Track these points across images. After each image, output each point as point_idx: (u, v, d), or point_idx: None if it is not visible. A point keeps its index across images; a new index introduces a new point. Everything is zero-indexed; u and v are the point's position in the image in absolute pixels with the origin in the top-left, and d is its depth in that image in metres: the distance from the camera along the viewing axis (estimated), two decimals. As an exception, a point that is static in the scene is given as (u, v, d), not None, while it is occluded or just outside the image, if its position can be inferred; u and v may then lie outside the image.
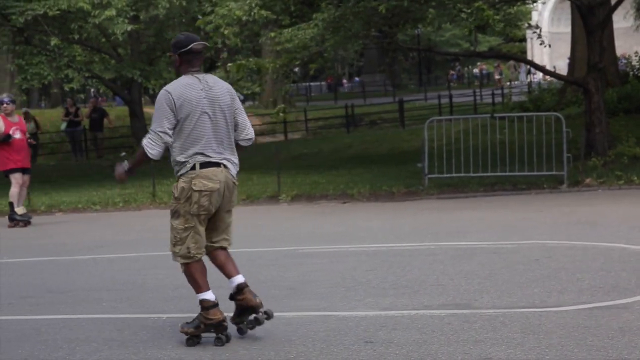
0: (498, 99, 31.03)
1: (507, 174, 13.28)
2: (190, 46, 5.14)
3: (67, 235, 11.29)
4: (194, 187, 5.10)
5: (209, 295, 5.16)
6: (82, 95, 36.68)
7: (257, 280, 7.22)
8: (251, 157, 20.65)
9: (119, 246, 9.76)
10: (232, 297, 5.23)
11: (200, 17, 19.95)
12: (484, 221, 10.15)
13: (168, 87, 5.15)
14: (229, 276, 5.25)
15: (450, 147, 13.63)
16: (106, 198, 14.53)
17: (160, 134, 5.08)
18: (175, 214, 5.18)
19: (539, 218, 10.14)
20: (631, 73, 24.38)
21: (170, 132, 5.10)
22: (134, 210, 13.64)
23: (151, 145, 5.11)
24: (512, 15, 15.38)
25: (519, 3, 17.25)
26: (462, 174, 13.39)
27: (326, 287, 6.73)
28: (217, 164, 5.17)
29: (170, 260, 8.76)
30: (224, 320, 5.14)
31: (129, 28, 17.92)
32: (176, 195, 5.16)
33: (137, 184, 16.09)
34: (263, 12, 15.56)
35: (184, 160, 5.14)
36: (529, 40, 49.64)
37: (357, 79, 60.04)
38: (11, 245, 10.48)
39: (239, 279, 5.23)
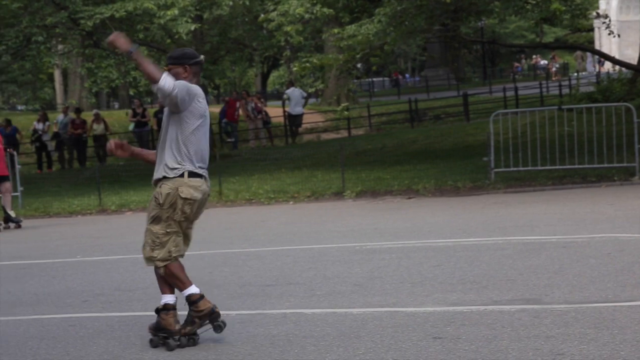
0: (565, 91, 30.47)
1: (576, 166, 13.02)
2: (200, 58, 5.26)
3: (137, 234, 11.48)
4: (180, 194, 5.15)
5: (193, 289, 5.24)
6: (148, 99, 37.33)
7: (323, 276, 7.25)
8: (315, 154, 20.72)
9: (188, 244, 9.88)
10: (157, 311, 5.34)
11: (262, 15, 20.11)
12: (553, 215, 9.98)
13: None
14: (165, 291, 5.33)
15: (516, 140, 13.44)
16: (174, 197, 14.75)
17: (181, 89, 4.97)
18: (156, 219, 5.23)
19: (610, 211, 9.92)
20: None
21: (180, 99, 4.99)
22: (201, 208, 13.81)
23: (169, 80, 4.93)
24: (580, 5, 15.08)
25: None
26: (530, 168, 13.18)
27: (393, 283, 6.71)
28: (201, 175, 5.26)
29: (237, 257, 8.88)
30: (214, 307, 5.21)
31: (193, 28, 18.14)
32: (160, 201, 5.18)
33: (203, 183, 16.31)
34: (325, 9, 15.60)
35: (176, 166, 5.15)
36: (596, 29, 48.59)
37: (407, 75, 59.26)
38: (83, 244, 10.74)
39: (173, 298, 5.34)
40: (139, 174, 20.24)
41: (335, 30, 16.15)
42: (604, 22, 15.68)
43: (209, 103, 27.94)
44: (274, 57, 28.45)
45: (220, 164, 15.70)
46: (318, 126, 29.36)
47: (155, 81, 4.94)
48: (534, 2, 14.12)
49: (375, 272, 7.22)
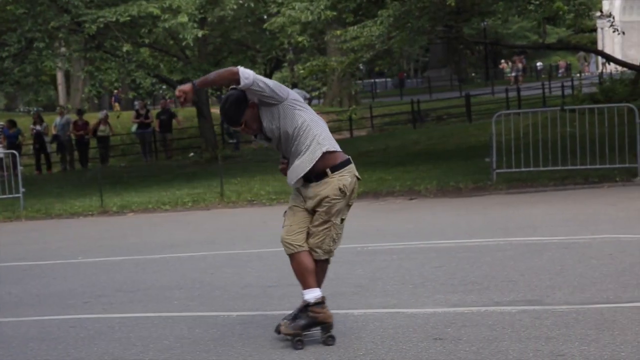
0: (568, 91, 30.48)
1: (579, 167, 13.01)
2: None
3: (139, 235, 11.52)
4: (357, 175, 5.07)
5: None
6: (149, 101, 37.40)
7: (325, 278, 7.24)
8: (318, 155, 20.70)
9: (189, 245, 9.90)
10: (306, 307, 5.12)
11: (265, 17, 20.13)
12: (555, 216, 9.96)
13: None
14: (312, 285, 5.10)
15: (519, 141, 13.42)
16: (175, 198, 14.76)
17: (263, 79, 4.83)
18: (337, 212, 5.00)
19: (611, 212, 9.90)
20: None
21: (269, 82, 4.86)
22: (203, 209, 13.82)
23: (247, 73, 4.75)
24: (583, 6, 15.02)
25: (589, -8, 16.88)
26: (532, 168, 13.17)
27: (394, 284, 6.71)
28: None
29: (239, 258, 8.87)
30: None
31: (200, 34, 18.11)
32: (347, 192, 4.98)
33: (205, 184, 16.31)
34: (329, 12, 15.58)
35: (333, 149, 5.00)
36: (599, 30, 48.56)
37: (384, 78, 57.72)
38: (85, 245, 10.74)
39: (318, 291, 5.19)
40: (141, 175, 20.28)
41: (338, 32, 16.14)
42: (608, 21, 15.65)
43: (211, 105, 27.72)
44: (276, 58, 28.41)
45: (222, 165, 15.70)
46: (321, 127, 29.31)
47: (234, 77, 4.73)
48: (537, 2, 14.07)
49: (376, 274, 7.21)
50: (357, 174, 5.09)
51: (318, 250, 5.06)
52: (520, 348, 4.68)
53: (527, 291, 6.08)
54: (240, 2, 20.08)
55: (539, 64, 54.44)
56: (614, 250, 7.41)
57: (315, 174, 4.97)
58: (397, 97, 40.53)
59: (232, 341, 5.31)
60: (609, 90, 23.53)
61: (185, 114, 28.84)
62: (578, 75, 43.03)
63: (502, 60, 52.62)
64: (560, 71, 50.05)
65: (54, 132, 24.31)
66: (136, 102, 28.63)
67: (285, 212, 5.19)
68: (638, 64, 21.59)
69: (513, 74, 44.73)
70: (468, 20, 16.88)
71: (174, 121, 25.17)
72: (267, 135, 5.07)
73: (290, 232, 5.07)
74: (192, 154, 24.38)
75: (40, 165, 24.20)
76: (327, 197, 4.96)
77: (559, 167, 13.06)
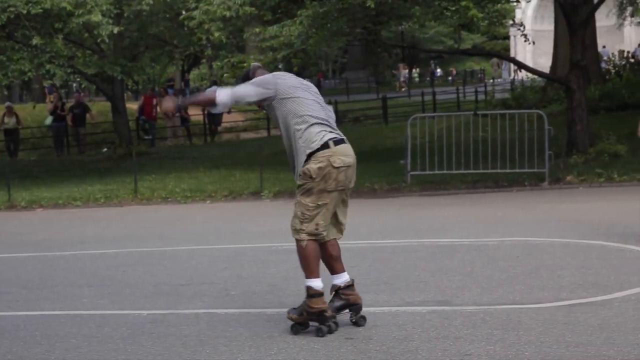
0: (481, 97, 31.19)
1: (489, 171, 13.32)
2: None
3: (48, 231, 11.23)
4: (333, 164, 5.11)
5: (317, 283, 5.12)
6: (63, 91, 36.38)
7: (238, 276, 7.22)
8: (234, 153, 20.61)
9: (100, 242, 9.72)
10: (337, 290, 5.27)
11: (184, 12, 19.88)
12: (466, 218, 10.18)
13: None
14: (340, 270, 5.31)
15: (432, 144, 13.65)
16: (87, 194, 14.44)
17: (240, 87, 5.12)
18: (307, 192, 5.10)
19: (520, 215, 10.19)
20: (613, 71, 24.57)
21: (251, 92, 5.13)
22: (116, 206, 13.57)
23: (222, 92, 5.10)
24: (497, 13, 15.41)
25: (503, 1, 17.29)
26: (445, 171, 13.41)
27: (307, 283, 6.72)
28: (343, 140, 5.28)
29: (151, 256, 8.75)
30: (325, 311, 5.11)
31: (116, 30, 17.74)
32: (313, 175, 5.07)
33: (118, 180, 16.01)
34: (247, 8, 15.49)
35: (315, 138, 5.12)
36: (512, 37, 49.88)
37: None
38: (-9, 241, 10.41)
39: (346, 275, 5.33)
40: (51, 169, 19.76)
41: (257, 30, 16.07)
42: (519, 30, 16.10)
43: (126, 100, 27.02)
44: (194, 55, 28.14)
45: (136, 162, 15.44)
46: (237, 125, 29.21)
47: (213, 103, 5.06)
48: (453, 8, 14.34)
49: (290, 273, 7.22)
50: (334, 159, 5.13)
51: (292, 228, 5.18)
52: (429, 347, 4.77)
53: (437, 292, 6.20)
54: (158, -4, 19.76)
55: (438, 70, 55.98)
56: (522, 252, 7.63)
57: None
58: (315, 98, 40.57)
59: (142, 340, 5.24)
60: (520, 96, 24.20)
61: (99, 109, 28.24)
62: (491, 81, 44.07)
63: (399, 65, 53.41)
64: (450, 78, 51.44)
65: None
66: (53, 95, 27.77)
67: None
68: (548, 71, 22.25)
69: (401, 80, 45.28)
70: (386, 23, 17.06)
71: (87, 115, 24.62)
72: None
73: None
74: (105, 149, 23.88)
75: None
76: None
77: (471, 171, 13.34)
